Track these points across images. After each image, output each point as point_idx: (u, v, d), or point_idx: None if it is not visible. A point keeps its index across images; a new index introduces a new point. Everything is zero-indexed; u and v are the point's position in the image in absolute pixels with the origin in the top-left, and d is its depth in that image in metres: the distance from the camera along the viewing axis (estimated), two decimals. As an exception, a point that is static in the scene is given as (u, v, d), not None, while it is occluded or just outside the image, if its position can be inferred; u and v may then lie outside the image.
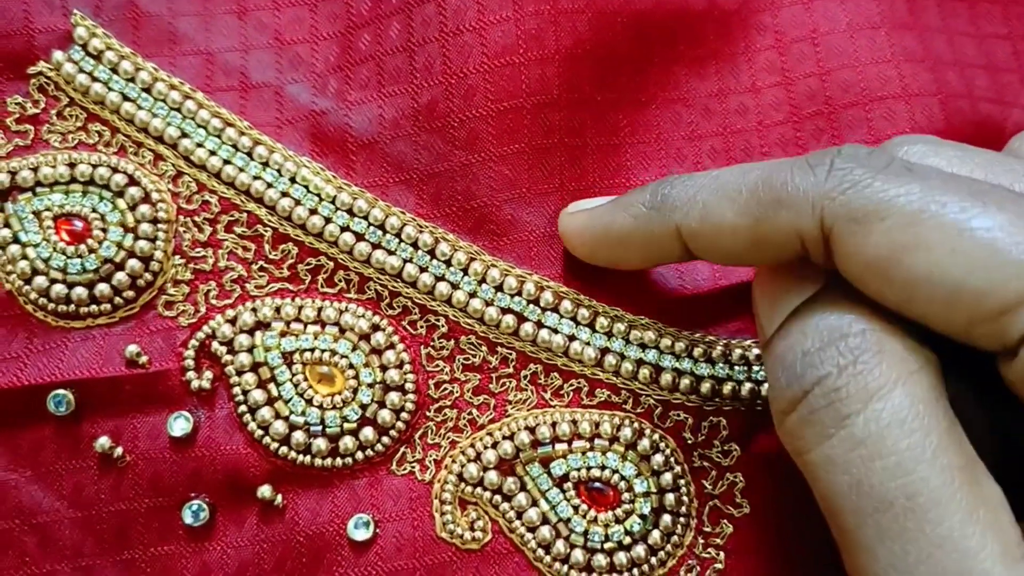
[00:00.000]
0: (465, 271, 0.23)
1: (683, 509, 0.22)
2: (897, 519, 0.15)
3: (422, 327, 0.23)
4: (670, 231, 0.19)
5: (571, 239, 0.22)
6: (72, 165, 0.24)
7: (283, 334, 0.23)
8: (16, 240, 0.23)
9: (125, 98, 0.24)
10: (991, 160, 0.18)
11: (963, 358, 0.16)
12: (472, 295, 0.23)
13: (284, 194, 0.23)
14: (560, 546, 0.22)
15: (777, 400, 0.17)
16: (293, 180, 0.23)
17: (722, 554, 0.22)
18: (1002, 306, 0.14)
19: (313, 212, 0.23)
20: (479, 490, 0.22)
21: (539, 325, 0.23)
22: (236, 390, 0.22)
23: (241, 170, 0.24)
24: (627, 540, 0.22)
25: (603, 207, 0.21)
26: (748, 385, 0.23)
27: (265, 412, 0.22)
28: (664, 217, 0.19)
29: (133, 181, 0.24)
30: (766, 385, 0.23)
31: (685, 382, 0.23)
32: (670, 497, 0.22)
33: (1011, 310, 0.14)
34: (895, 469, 0.15)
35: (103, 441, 0.22)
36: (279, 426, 0.22)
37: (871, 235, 0.16)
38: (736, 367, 0.23)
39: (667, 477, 0.22)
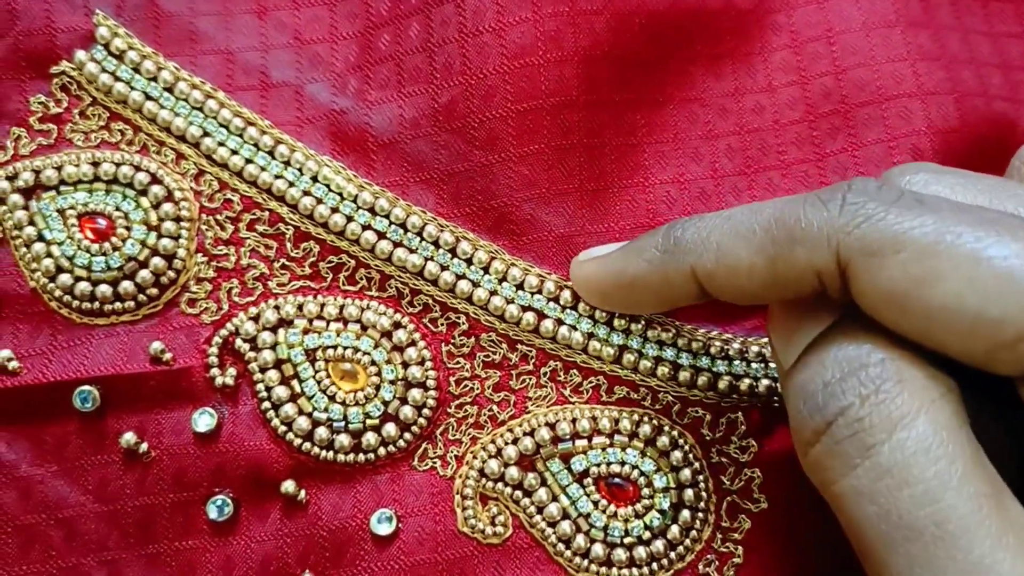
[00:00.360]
0: (486, 269, 0.23)
1: (701, 504, 0.22)
2: (927, 547, 0.15)
3: (443, 324, 0.23)
4: (685, 274, 0.19)
5: (583, 286, 0.23)
6: (95, 164, 0.24)
7: (306, 331, 0.23)
8: (41, 238, 0.23)
9: (147, 97, 0.24)
10: (993, 186, 0.18)
11: (982, 382, 0.16)
12: (493, 293, 0.23)
13: (306, 192, 0.24)
14: (580, 540, 0.22)
15: (800, 431, 0.17)
16: (314, 179, 0.24)
17: (740, 548, 0.22)
18: (1020, 333, 0.15)
19: (335, 210, 0.23)
20: (500, 485, 0.23)
21: (559, 323, 0.23)
22: (259, 387, 0.23)
23: (263, 169, 0.24)
24: (646, 535, 0.22)
25: (615, 254, 0.22)
26: (765, 382, 0.23)
27: (288, 408, 0.22)
28: (678, 260, 0.19)
29: (156, 180, 0.24)
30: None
31: (703, 379, 0.23)
32: (689, 493, 0.22)
33: None
34: (923, 497, 0.15)
35: (128, 437, 0.22)
36: (302, 422, 0.22)
37: (887, 268, 0.16)
38: (753, 364, 0.23)
39: (686, 473, 0.22)
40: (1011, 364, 0.15)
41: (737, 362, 0.23)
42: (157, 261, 0.23)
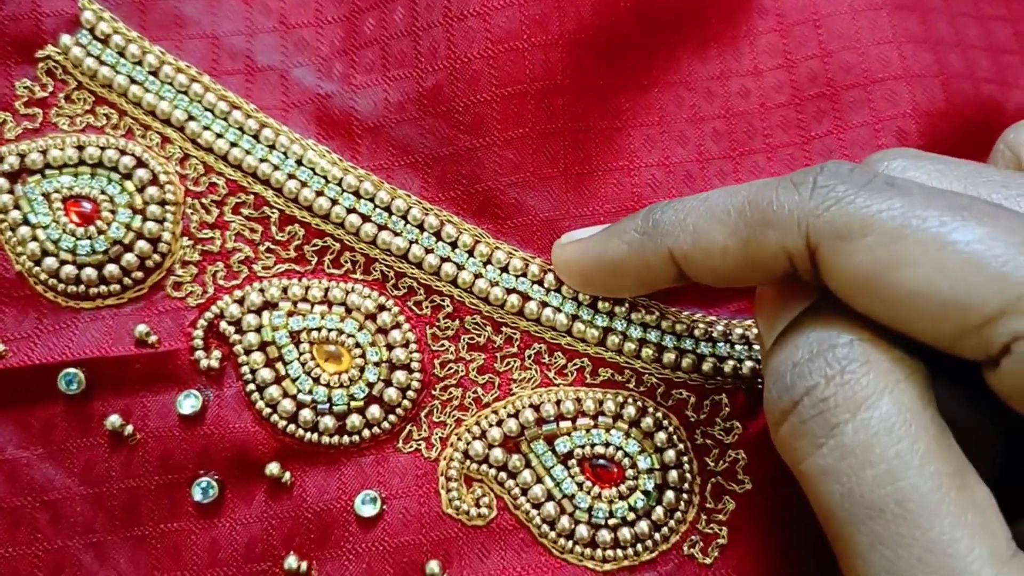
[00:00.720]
0: (470, 253, 0.23)
1: (686, 486, 0.22)
2: (888, 526, 0.15)
3: (427, 307, 0.23)
4: (663, 256, 0.19)
5: (564, 269, 0.23)
6: (81, 148, 0.24)
7: (290, 314, 0.23)
8: (26, 222, 0.23)
9: (132, 81, 0.24)
10: (971, 172, 0.18)
11: (957, 364, 0.16)
12: (477, 276, 0.23)
13: (290, 176, 0.24)
14: (565, 522, 0.22)
15: (770, 412, 0.17)
16: (299, 162, 0.24)
17: (725, 529, 0.22)
18: (983, 318, 0.15)
19: (319, 194, 0.23)
20: (484, 467, 0.23)
21: (543, 305, 0.23)
22: (244, 369, 0.23)
23: (248, 152, 0.24)
24: (631, 516, 0.22)
25: (595, 237, 0.22)
26: (749, 363, 0.23)
27: (273, 390, 0.22)
28: (656, 243, 0.20)
29: (141, 163, 0.24)
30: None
31: (687, 361, 0.23)
32: (673, 474, 0.22)
33: (992, 321, 0.15)
34: (884, 477, 0.15)
35: (113, 419, 0.22)
36: (287, 404, 0.22)
37: (855, 252, 0.16)
38: (737, 346, 0.23)
39: (670, 454, 0.22)
40: (976, 349, 0.15)
41: (721, 344, 0.23)
42: (142, 244, 0.23)
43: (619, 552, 0.22)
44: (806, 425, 0.16)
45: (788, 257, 0.17)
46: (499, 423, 0.23)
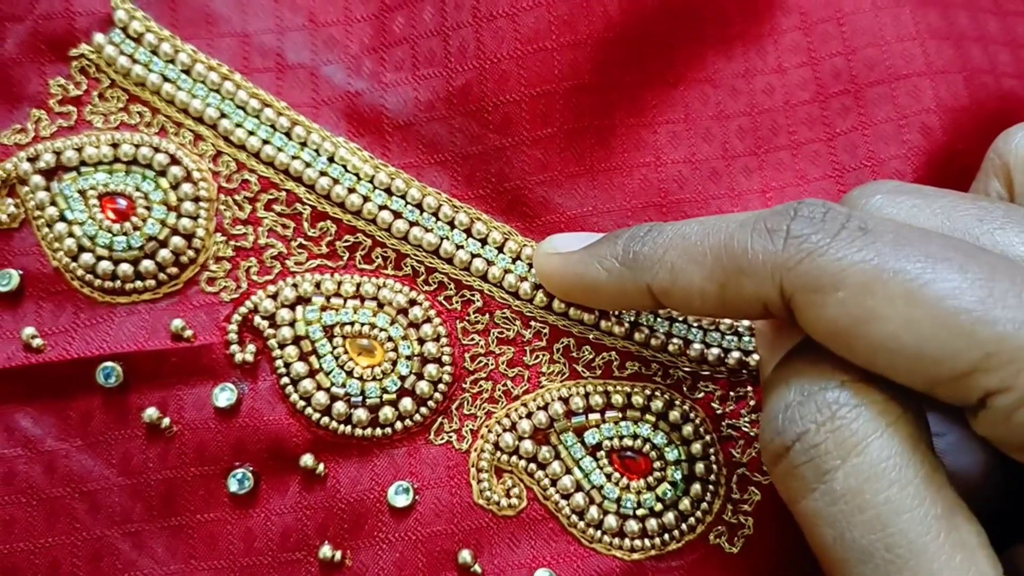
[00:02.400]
0: (500, 249, 0.24)
1: (712, 476, 0.23)
2: (879, 569, 0.15)
3: (457, 302, 0.24)
4: (641, 289, 0.20)
5: (545, 279, 0.23)
6: (115, 145, 0.24)
7: (323, 308, 0.23)
8: (63, 218, 0.24)
9: (165, 79, 0.25)
10: (948, 206, 0.18)
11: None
12: (507, 271, 0.24)
13: (322, 173, 0.24)
14: (593, 512, 0.23)
15: (764, 451, 0.17)
16: (331, 160, 0.24)
17: (750, 520, 0.23)
18: (955, 373, 0.15)
19: (351, 191, 0.24)
20: (514, 458, 0.23)
21: (571, 300, 0.23)
22: (278, 363, 0.23)
23: (280, 150, 0.24)
24: (658, 506, 0.23)
25: (576, 256, 0.22)
26: (775, 358, 0.23)
27: (307, 384, 0.23)
28: (635, 276, 0.20)
29: (175, 160, 0.24)
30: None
31: (713, 354, 0.23)
32: (700, 465, 0.23)
33: (964, 376, 0.15)
34: (874, 523, 0.15)
35: (150, 412, 0.23)
36: (321, 397, 0.23)
37: (827, 306, 0.16)
38: (763, 340, 0.24)
39: (697, 446, 0.23)
40: (953, 398, 0.15)
41: (747, 338, 0.23)
42: (177, 240, 0.24)
43: (646, 541, 0.22)
44: (798, 470, 0.16)
45: (764, 304, 0.17)
46: (529, 415, 0.23)
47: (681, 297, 0.19)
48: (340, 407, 0.23)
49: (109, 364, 0.23)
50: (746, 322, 0.24)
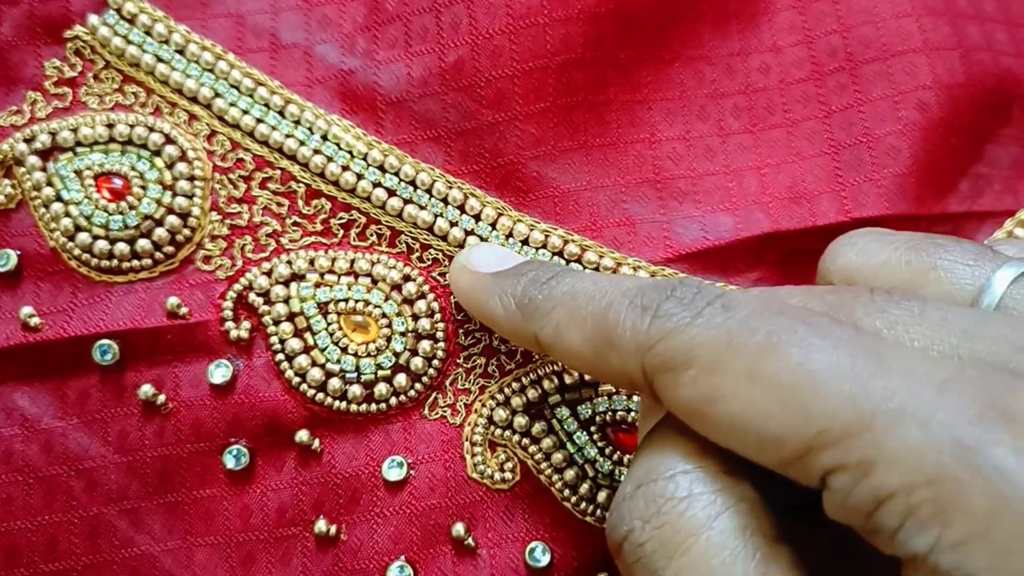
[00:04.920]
0: (493, 225, 0.24)
1: None
2: None
3: (451, 278, 0.24)
4: (530, 336, 0.20)
5: (455, 293, 0.23)
6: (110, 125, 0.24)
7: (318, 285, 0.24)
8: (59, 198, 0.24)
9: (159, 60, 0.25)
10: (836, 304, 0.17)
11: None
12: (500, 248, 0.24)
13: (316, 151, 0.24)
14: (586, 486, 0.23)
15: (608, 541, 0.17)
16: (324, 138, 0.24)
17: None
18: (794, 453, 0.14)
19: (345, 168, 0.24)
20: (508, 433, 0.23)
21: (565, 276, 0.24)
22: (273, 339, 0.23)
23: (274, 128, 0.24)
24: None
25: (484, 282, 0.21)
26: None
27: (302, 360, 0.23)
28: (526, 323, 0.20)
29: (170, 140, 0.24)
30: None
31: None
32: None
33: (803, 456, 0.14)
34: None
35: (146, 389, 0.23)
36: (316, 373, 0.23)
37: (680, 385, 0.16)
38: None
39: None
40: (802, 477, 0.15)
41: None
42: (172, 219, 0.24)
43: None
44: (631, 569, 0.16)
45: (630, 380, 0.17)
46: (522, 390, 0.23)
47: (562, 356, 0.19)
48: (335, 383, 0.23)
49: (105, 342, 0.23)
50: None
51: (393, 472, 0.23)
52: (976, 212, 0.25)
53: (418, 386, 0.23)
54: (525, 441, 0.23)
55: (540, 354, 0.21)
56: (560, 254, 0.24)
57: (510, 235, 0.24)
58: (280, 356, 0.23)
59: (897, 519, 0.13)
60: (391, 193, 0.24)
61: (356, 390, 0.23)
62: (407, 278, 0.24)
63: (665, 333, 0.16)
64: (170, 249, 0.24)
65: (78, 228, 0.24)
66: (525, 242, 0.24)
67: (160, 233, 0.24)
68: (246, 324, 0.23)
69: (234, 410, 0.23)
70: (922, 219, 0.25)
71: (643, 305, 0.17)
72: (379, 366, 0.23)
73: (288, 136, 0.24)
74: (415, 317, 0.23)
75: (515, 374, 0.23)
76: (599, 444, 0.23)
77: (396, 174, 0.24)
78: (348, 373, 0.23)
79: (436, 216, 0.24)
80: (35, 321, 0.23)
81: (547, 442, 0.23)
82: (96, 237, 0.24)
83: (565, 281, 0.19)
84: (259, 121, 0.24)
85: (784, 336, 0.15)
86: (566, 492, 0.23)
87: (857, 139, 0.25)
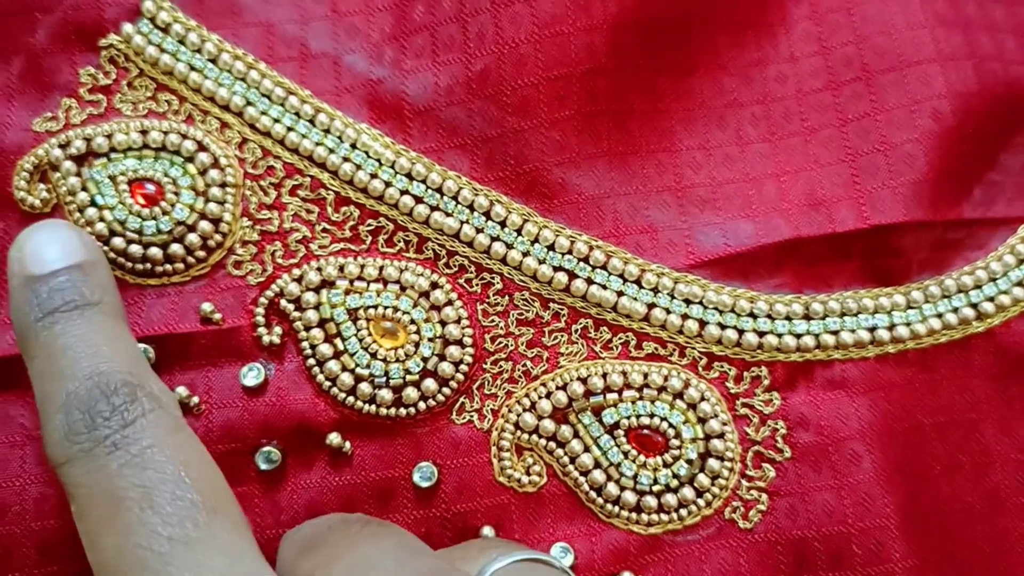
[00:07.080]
0: (519, 231, 0.24)
1: (728, 454, 0.23)
2: None
3: (478, 285, 0.24)
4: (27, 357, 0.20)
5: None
6: (144, 132, 0.25)
7: (347, 292, 0.24)
8: (93, 203, 0.24)
9: (192, 68, 0.25)
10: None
11: None
12: (525, 254, 0.24)
13: (345, 159, 0.25)
14: (611, 488, 0.23)
15: None
16: (353, 146, 0.25)
17: (765, 496, 0.23)
18: None
19: (373, 176, 0.24)
20: (534, 437, 0.24)
21: (589, 282, 0.24)
22: (304, 344, 0.24)
23: (304, 137, 0.25)
24: (674, 483, 0.23)
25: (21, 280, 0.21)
26: (789, 338, 0.24)
27: (332, 365, 0.24)
28: (22, 345, 0.21)
29: (202, 147, 0.25)
30: (806, 338, 0.24)
31: (728, 335, 0.24)
32: (716, 443, 0.23)
33: None
34: None
35: (180, 391, 0.23)
36: (346, 378, 0.23)
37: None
38: (777, 320, 0.24)
39: (713, 424, 0.23)
40: None
41: (762, 319, 0.24)
42: (204, 225, 0.24)
43: (663, 516, 0.23)
44: None
45: None
46: (548, 395, 0.24)
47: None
48: (364, 388, 0.23)
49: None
50: (761, 303, 0.24)
51: (422, 476, 0.23)
52: (990, 219, 0.26)
53: (446, 391, 0.24)
54: (551, 445, 0.24)
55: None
56: (585, 260, 0.24)
57: (536, 240, 0.24)
58: (311, 361, 0.24)
59: None
60: (418, 200, 0.24)
61: (385, 394, 0.23)
62: (435, 285, 0.24)
63: (66, 459, 0.17)
64: (202, 254, 0.24)
65: (112, 232, 0.24)
66: (551, 247, 0.24)
67: (192, 238, 0.24)
68: (278, 329, 0.24)
69: (266, 412, 0.23)
70: (938, 225, 0.25)
71: (80, 410, 0.18)
72: (407, 371, 0.24)
73: (318, 144, 0.25)
74: (443, 323, 0.24)
75: (541, 379, 0.24)
76: (624, 448, 0.23)
77: (423, 181, 0.24)
78: (377, 378, 0.23)
79: (462, 223, 0.24)
80: (71, 324, 0.24)
81: (573, 446, 0.23)
82: (130, 241, 0.24)
83: (71, 326, 0.20)
84: (289, 129, 0.25)
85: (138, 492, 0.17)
86: (591, 494, 0.23)
87: (874, 147, 0.25)
